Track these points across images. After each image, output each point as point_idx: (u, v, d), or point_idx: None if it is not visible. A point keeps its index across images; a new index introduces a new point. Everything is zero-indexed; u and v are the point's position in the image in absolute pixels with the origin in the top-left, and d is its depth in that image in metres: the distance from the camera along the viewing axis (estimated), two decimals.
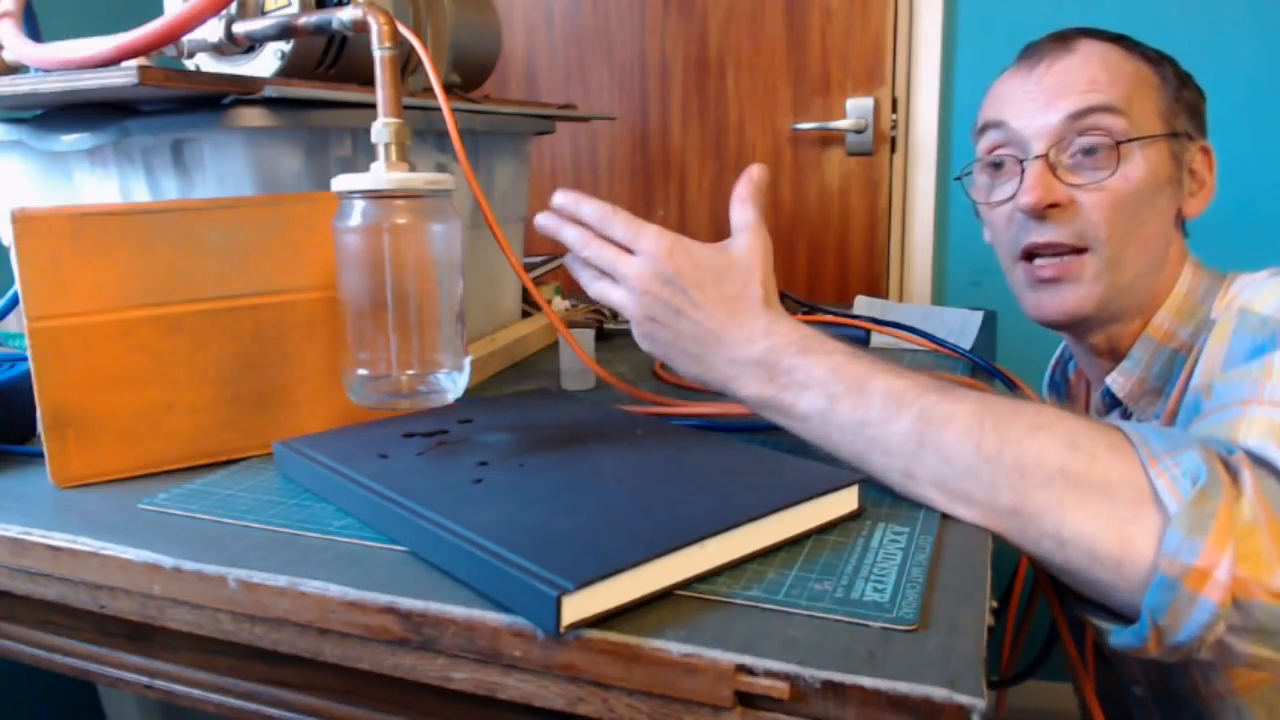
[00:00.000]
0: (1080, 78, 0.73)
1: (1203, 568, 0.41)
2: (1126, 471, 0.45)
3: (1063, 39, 0.76)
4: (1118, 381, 0.77)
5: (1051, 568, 0.48)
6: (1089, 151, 0.72)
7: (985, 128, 0.78)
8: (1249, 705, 0.68)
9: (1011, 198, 0.75)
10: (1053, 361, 0.97)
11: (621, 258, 0.59)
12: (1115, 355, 0.78)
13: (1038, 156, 0.73)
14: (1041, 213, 0.72)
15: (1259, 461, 0.46)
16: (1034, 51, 0.77)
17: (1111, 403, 0.79)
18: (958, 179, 0.84)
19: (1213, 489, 0.43)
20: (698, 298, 0.57)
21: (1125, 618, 0.47)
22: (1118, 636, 0.46)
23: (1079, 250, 0.73)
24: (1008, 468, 0.47)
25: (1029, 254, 0.75)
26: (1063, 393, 0.95)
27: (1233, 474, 0.45)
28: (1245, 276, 0.72)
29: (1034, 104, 0.74)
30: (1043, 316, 0.77)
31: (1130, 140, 0.72)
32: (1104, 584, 0.45)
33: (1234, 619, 0.42)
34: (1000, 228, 0.78)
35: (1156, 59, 0.76)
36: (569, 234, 0.63)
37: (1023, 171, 0.74)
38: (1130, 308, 0.75)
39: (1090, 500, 0.45)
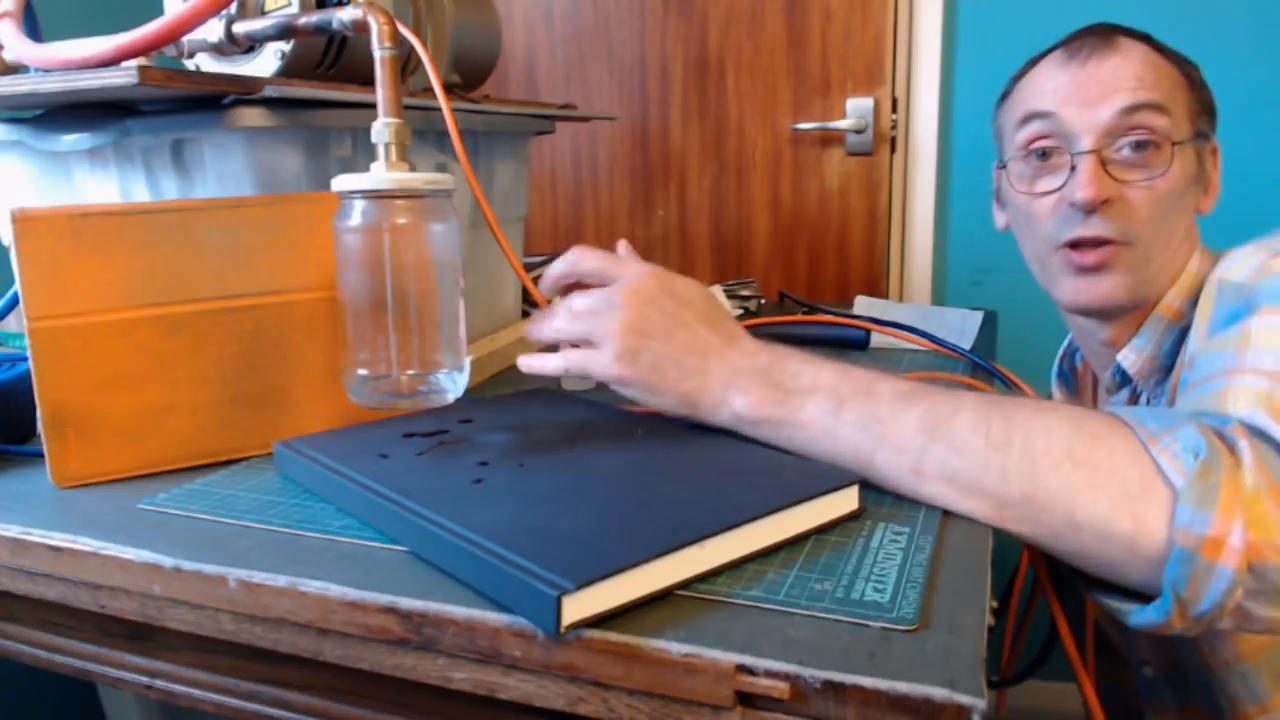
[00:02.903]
0: (1128, 74, 0.73)
1: (1216, 537, 0.42)
2: (1130, 452, 0.46)
3: (1103, 35, 0.77)
4: (1129, 358, 0.79)
5: (1063, 553, 0.48)
6: (1139, 147, 0.73)
7: (1029, 118, 0.78)
8: (1254, 670, 0.69)
9: (1058, 189, 0.76)
10: (1060, 352, 0.98)
11: (605, 282, 0.58)
12: (1124, 341, 0.79)
13: (1090, 151, 0.73)
14: (1094, 208, 0.73)
15: (1253, 431, 0.47)
16: (1075, 45, 0.77)
17: (1122, 380, 0.80)
18: (1001, 167, 0.84)
19: (1213, 461, 0.44)
20: (690, 316, 0.57)
21: (1140, 597, 0.47)
22: (1140, 615, 0.47)
23: (1119, 243, 0.75)
24: (1017, 454, 0.47)
25: (1071, 244, 0.77)
26: (1070, 382, 0.96)
27: (1229, 445, 0.46)
28: (1233, 251, 0.73)
29: (1083, 97, 0.74)
30: (1079, 303, 0.78)
31: (1179, 141, 0.73)
32: (1119, 564, 0.46)
33: (1250, 584, 0.43)
34: (1040, 218, 0.78)
35: (1183, 62, 0.77)
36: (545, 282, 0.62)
37: (1072, 165, 0.75)
38: (1149, 297, 0.77)
39: (1100, 481, 0.45)
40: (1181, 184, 0.74)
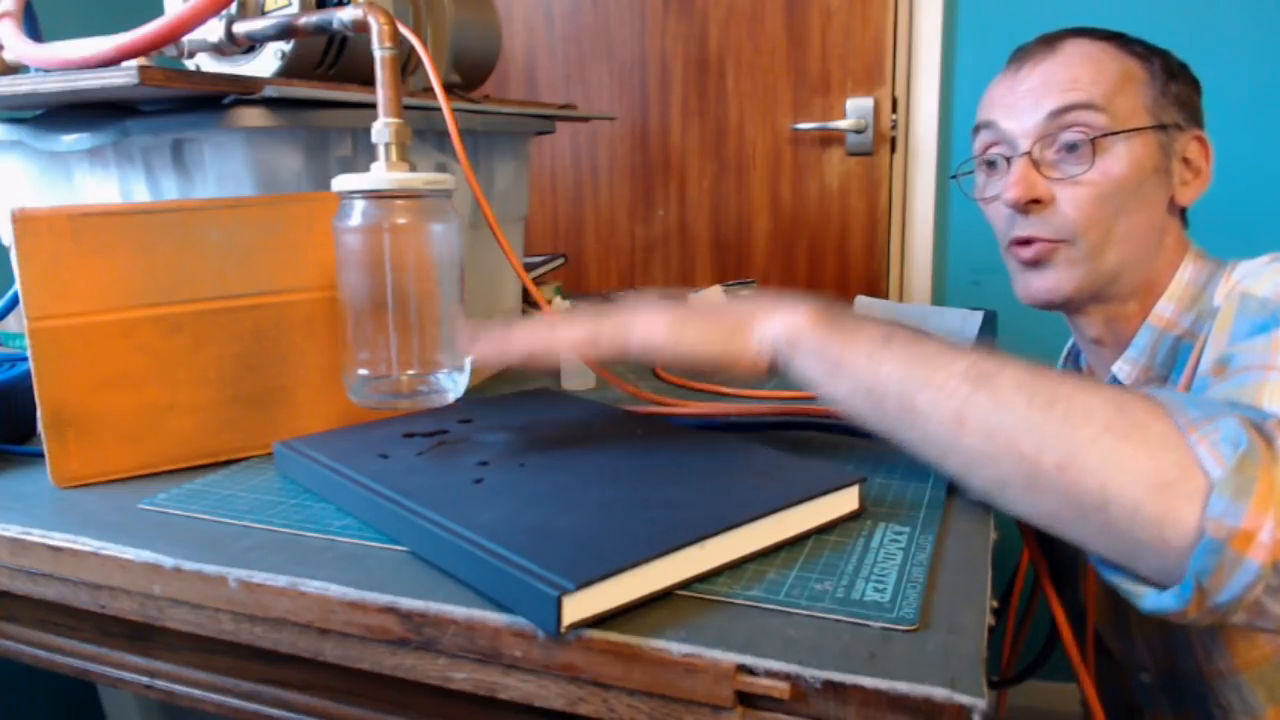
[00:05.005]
0: (1062, 77, 0.76)
1: (1248, 530, 0.42)
2: (1168, 437, 0.45)
3: (1049, 41, 0.79)
4: (1124, 369, 0.79)
5: (1086, 533, 0.47)
6: (1071, 148, 0.75)
7: (978, 128, 0.82)
8: (1249, 683, 0.69)
9: (1000, 194, 0.78)
10: (1065, 352, 0.98)
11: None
12: (1117, 344, 0.80)
13: (1023, 154, 0.76)
14: (1024, 207, 0.76)
15: None
16: (1021, 54, 0.81)
17: None
18: (954, 177, 0.87)
19: (1252, 455, 0.43)
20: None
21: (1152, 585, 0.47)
22: (1156, 600, 0.46)
23: (1056, 241, 0.77)
24: (1058, 421, 0.46)
25: (1014, 243, 0.79)
26: None
27: (1268, 439, 0.45)
28: (1245, 264, 0.74)
29: (1020, 104, 0.77)
30: (1028, 297, 0.81)
31: (1107, 135, 0.74)
32: (1142, 547, 0.45)
33: (1273, 580, 0.42)
34: (995, 221, 0.82)
35: (1145, 54, 0.78)
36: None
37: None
38: (1121, 293, 0.78)
39: (1136, 462, 0.45)
40: (1129, 176, 0.74)
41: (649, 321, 0.56)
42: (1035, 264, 0.77)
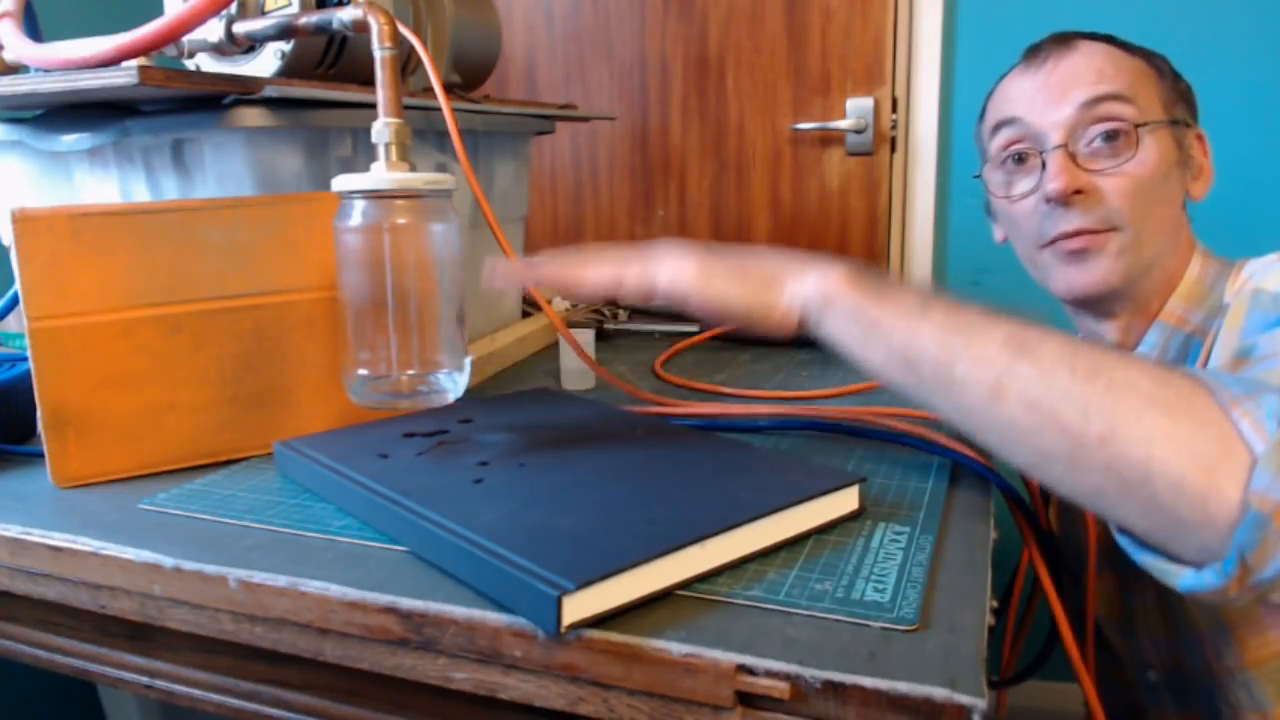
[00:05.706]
0: (1088, 70, 0.75)
1: None
2: (1211, 411, 0.45)
3: (1063, 39, 0.79)
4: None
5: (1127, 510, 0.46)
6: (1108, 138, 0.74)
7: (999, 126, 0.80)
8: (1258, 681, 0.68)
9: (1034, 190, 0.77)
10: None
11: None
12: (1132, 346, 0.79)
13: (1057, 146, 0.75)
14: (1067, 199, 0.74)
15: None
16: (1037, 51, 0.80)
17: None
18: (976, 177, 0.85)
19: None
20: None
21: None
22: (1195, 579, 0.45)
23: (1103, 230, 0.75)
24: (1101, 391, 0.45)
25: (1054, 240, 0.77)
26: None
27: None
28: (1254, 261, 0.74)
29: (1046, 98, 0.76)
30: (1074, 291, 0.78)
31: (1141, 125, 0.74)
32: (1184, 522, 0.44)
33: None
34: (1023, 221, 0.80)
35: (1149, 54, 0.79)
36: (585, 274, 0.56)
37: (1043, 164, 0.76)
38: (1150, 291, 0.77)
39: (1180, 434, 0.44)
40: (1159, 167, 0.74)
41: (677, 266, 0.55)
42: (1080, 255, 0.76)
